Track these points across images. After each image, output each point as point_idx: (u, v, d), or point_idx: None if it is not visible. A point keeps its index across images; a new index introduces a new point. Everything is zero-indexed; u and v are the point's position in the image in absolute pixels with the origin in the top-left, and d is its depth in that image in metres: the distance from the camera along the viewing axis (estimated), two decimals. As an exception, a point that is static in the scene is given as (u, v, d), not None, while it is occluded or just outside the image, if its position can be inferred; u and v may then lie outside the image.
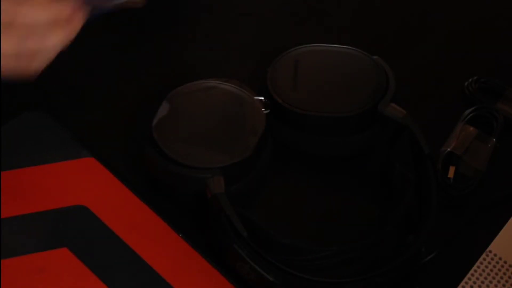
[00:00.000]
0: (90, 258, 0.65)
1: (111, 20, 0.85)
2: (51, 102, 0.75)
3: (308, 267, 0.66)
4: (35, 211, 0.68)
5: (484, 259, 0.68)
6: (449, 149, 0.75)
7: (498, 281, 0.67)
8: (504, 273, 0.67)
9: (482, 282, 0.67)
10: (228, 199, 0.66)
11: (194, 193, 0.69)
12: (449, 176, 0.74)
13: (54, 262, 0.65)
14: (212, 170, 0.68)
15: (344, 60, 0.76)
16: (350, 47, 0.76)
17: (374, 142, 0.75)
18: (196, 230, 0.69)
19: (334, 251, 0.67)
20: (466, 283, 0.67)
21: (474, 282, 0.67)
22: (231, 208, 0.65)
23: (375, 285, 0.65)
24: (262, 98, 0.73)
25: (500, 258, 0.68)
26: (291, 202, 0.73)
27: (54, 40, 0.62)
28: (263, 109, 0.72)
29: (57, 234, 0.67)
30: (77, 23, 0.63)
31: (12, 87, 0.70)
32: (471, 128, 0.76)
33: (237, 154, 0.69)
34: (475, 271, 0.68)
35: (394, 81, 0.74)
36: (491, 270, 0.68)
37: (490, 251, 0.69)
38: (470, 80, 0.81)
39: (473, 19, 0.89)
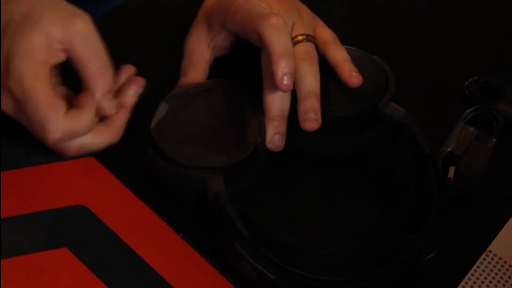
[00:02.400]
0: (90, 258, 0.65)
1: (110, 20, 0.86)
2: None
3: (308, 266, 0.66)
4: (35, 211, 0.68)
5: (484, 259, 0.68)
6: (449, 149, 0.75)
7: (498, 281, 0.67)
8: (504, 273, 0.67)
9: (482, 282, 0.67)
10: (228, 199, 0.66)
11: (195, 192, 0.69)
12: (449, 176, 0.74)
13: (54, 262, 0.65)
14: (212, 169, 0.68)
15: None
16: (349, 47, 0.76)
17: (374, 142, 0.75)
18: (196, 230, 0.69)
19: (335, 250, 0.67)
20: (466, 283, 0.67)
21: (474, 282, 0.67)
22: (231, 207, 0.65)
23: (375, 284, 0.65)
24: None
25: (500, 258, 0.68)
26: (290, 201, 0.73)
27: (98, 142, 0.69)
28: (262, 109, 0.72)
29: (57, 234, 0.66)
30: (121, 124, 0.70)
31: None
32: (471, 128, 0.76)
33: (237, 153, 0.69)
34: (475, 271, 0.68)
35: (394, 81, 0.74)
36: (491, 270, 0.68)
37: (490, 251, 0.69)
38: (470, 80, 0.81)
39: (473, 19, 0.89)
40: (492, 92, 0.80)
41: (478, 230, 0.71)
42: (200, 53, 0.76)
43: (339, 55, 0.74)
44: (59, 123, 0.65)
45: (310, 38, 0.73)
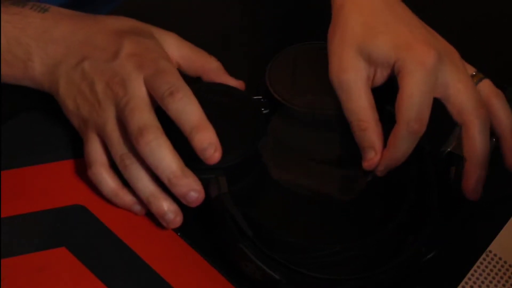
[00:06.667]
0: (89, 257, 0.65)
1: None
2: (50, 102, 0.75)
3: (310, 265, 0.66)
4: (33, 211, 0.68)
5: (484, 259, 0.68)
6: (449, 149, 0.74)
7: (498, 281, 0.67)
8: (504, 273, 0.67)
9: (482, 282, 0.67)
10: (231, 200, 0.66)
11: None
12: (449, 176, 0.73)
13: (52, 262, 0.65)
14: (215, 170, 0.67)
15: None
16: None
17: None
18: (196, 230, 0.68)
19: (336, 249, 0.67)
20: (466, 283, 0.67)
21: (474, 282, 0.67)
22: (235, 208, 0.65)
23: (376, 283, 0.65)
24: (261, 98, 0.73)
25: (500, 258, 0.68)
26: (291, 201, 0.73)
27: None
28: (262, 109, 0.72)
29: (55, 234, 0.66)
30: None
31: (10, 87, 0.70)
32: (471, 128, 0.76)
33: (239, 154, 0.69)
34: (475, 271, 0.67)
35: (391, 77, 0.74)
36: (491, 270, 0.67)
37: (490, 251, 0.69)
38: (470, 80, 0.81)
39: (473, 19, 0.88)
40: (492, 92, 0.80)
41: (478, 230, 0.71)
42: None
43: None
44: None
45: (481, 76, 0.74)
